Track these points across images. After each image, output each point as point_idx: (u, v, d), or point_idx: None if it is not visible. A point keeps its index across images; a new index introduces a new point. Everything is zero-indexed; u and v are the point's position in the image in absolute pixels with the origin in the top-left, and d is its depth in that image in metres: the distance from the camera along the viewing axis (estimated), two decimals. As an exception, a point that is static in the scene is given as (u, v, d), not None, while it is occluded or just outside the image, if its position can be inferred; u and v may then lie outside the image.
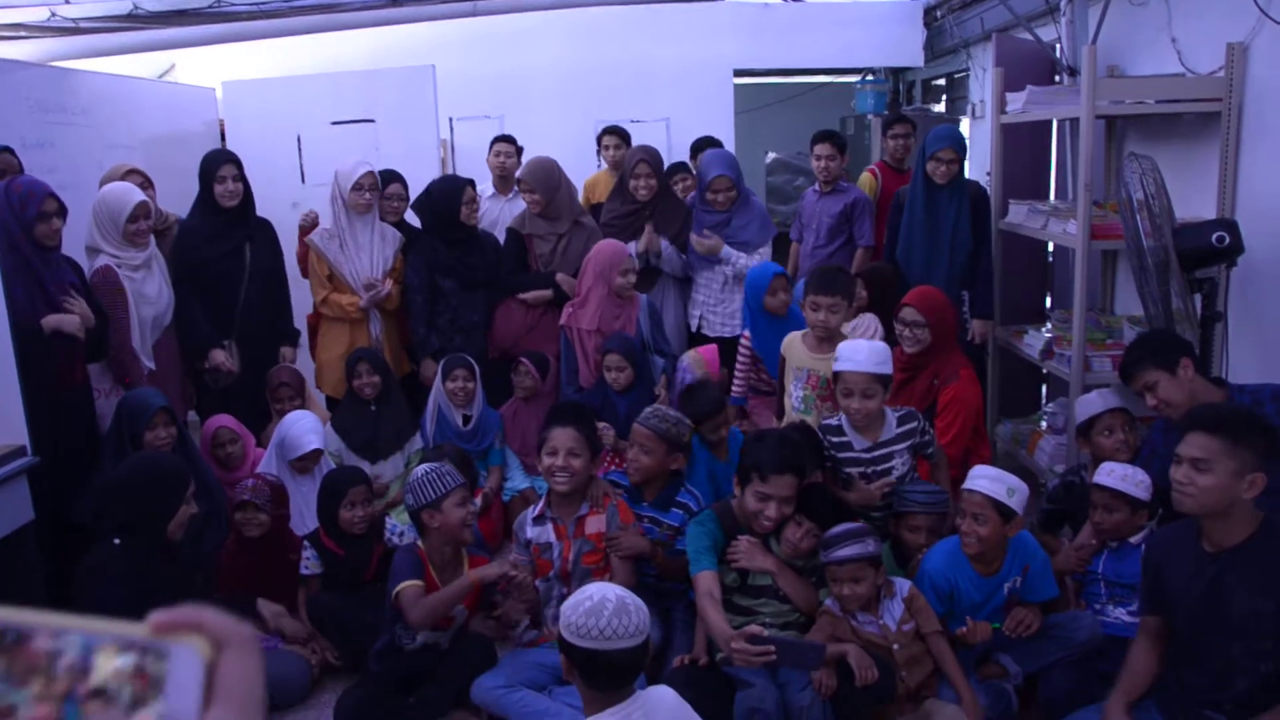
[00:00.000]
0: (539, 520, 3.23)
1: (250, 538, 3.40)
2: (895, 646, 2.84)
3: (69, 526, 3.36)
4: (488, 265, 4.63)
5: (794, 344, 3.69)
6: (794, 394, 3.63)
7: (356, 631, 3.24)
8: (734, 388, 4.26)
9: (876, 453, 3.23)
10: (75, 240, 3.90)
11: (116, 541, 2.86)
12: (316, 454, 3.89)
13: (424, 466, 3.09)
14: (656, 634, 3.14)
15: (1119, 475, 3.06)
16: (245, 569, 3.41)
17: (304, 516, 3.85)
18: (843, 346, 3.24)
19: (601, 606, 1.97)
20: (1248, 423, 2.34)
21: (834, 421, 3.31)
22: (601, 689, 2.00)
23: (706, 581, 2.89)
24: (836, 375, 3.20)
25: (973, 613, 2.92)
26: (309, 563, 3.45)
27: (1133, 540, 3.08)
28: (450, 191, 4.55)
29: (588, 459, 3.17)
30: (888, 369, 3.16)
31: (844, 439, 3.25)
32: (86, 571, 2.82)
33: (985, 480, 2.90)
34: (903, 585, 2.93)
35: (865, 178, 5.55)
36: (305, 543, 3.49)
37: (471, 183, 4.64)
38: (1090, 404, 3.51)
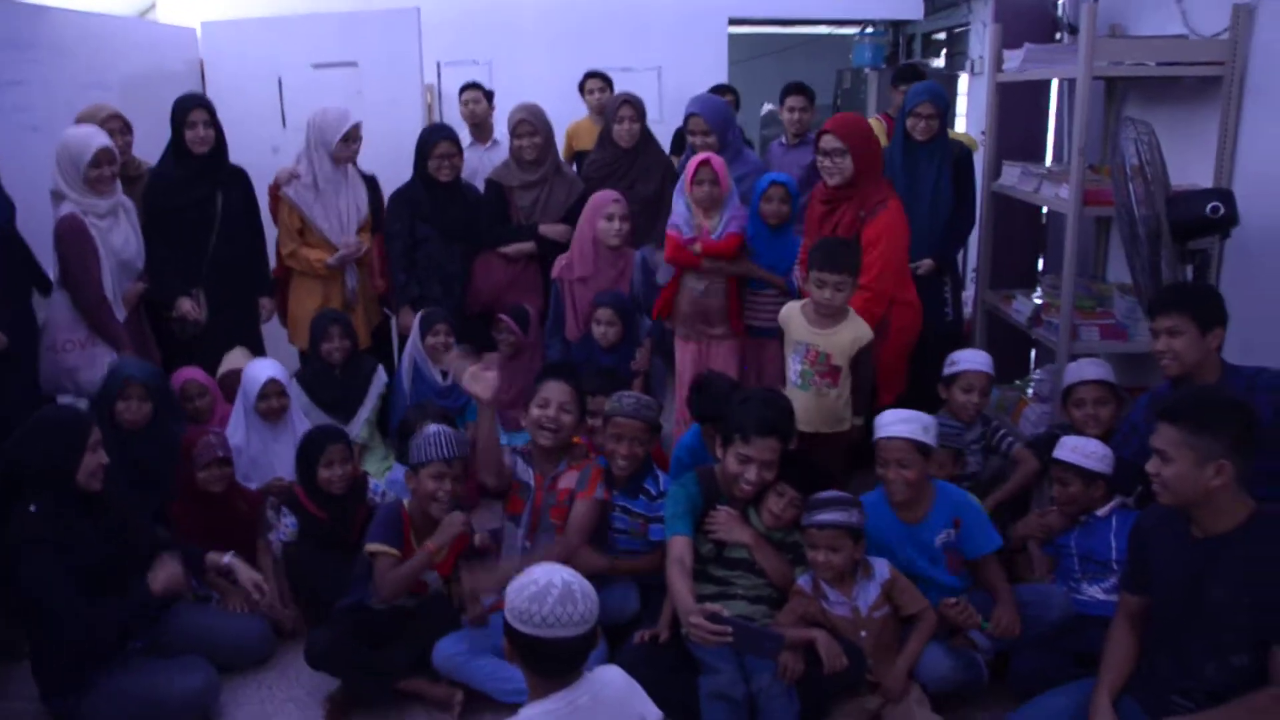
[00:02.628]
0: (525, 460, 3.21)
1: (201, 492, 3.33)
2: (862, 634, 2.79)
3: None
4: (468, 217, 4.53)
5: (793, 316, 3.51)
6: (792, 367, 3.52)
7: (334, 593, 3.17)
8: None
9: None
10: (48, 183, 3.81)
11: (33, 508, 2.76)
12: (278, 388, 3.80)
13: (435, 427, 3.11)
14: (633, 603, 3.12)
15: (1069, 447, 3.11)
16: (197, 523, 3.34)
17: (274, 466, 3.80)
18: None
19: (546, 592, 1.89)
20: (1213, 410, 2.27)
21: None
22: (544, 675, 1.94)
23: (679, 547, 2.85)
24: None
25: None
26: (286, 530, 3.39)
27: (1099, 514, 3.08)
28: (422, 143, 4.47)
29: (575, 419, 3.14)
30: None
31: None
32: (10, 542, 2.73)
33: (900, 424, 2.94)
34: (882, 568, 2.89)
35: (874, 124, 5.47)
36: (283, 508, 3.43)
37: (450, 135, 4.50)
38: (1071, 372, 3.55)
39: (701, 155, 3.95)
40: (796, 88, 5.16)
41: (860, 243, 3.60)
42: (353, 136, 4.36)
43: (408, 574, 2.96)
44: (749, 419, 2.88)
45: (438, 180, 4.42)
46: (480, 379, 3.01)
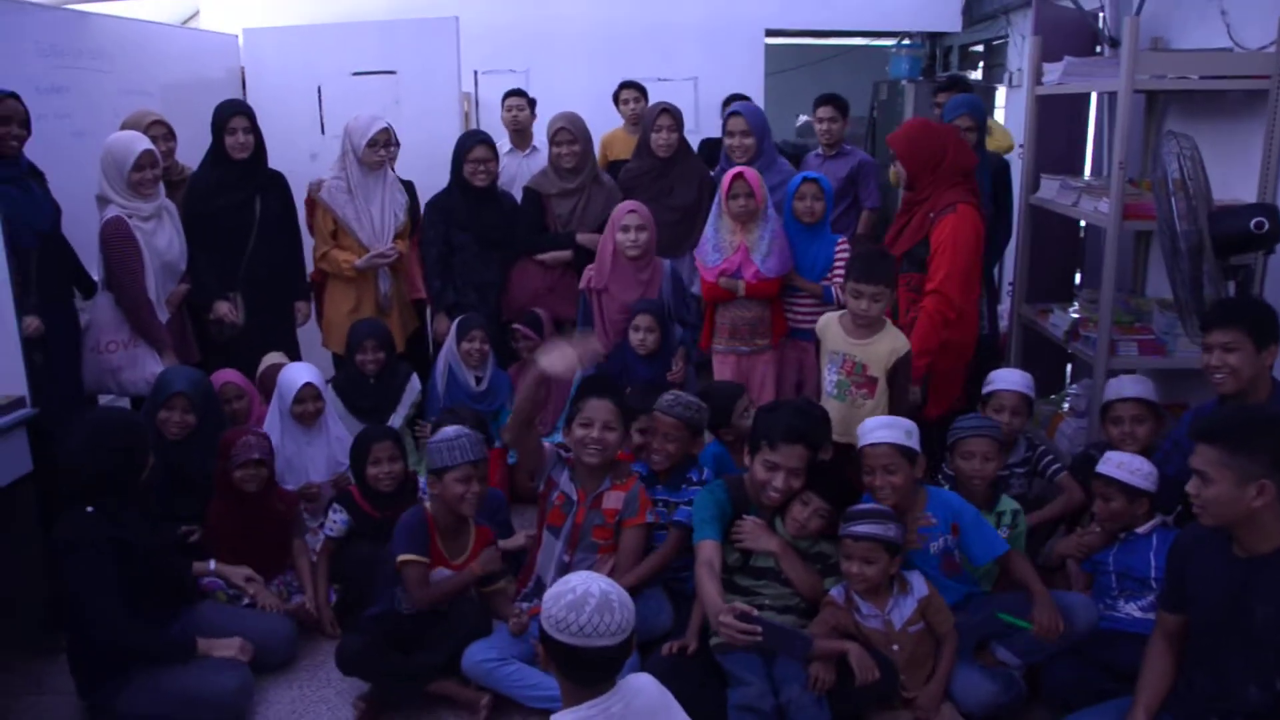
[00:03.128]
0: (571, 473, 3.19)
1: (237, 492, 3.35)
2: (895, 647, 2.77)
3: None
4: (504, 224, 4.56)
5: (830, 326, 3.53)
6: (828, 378, 3.53)
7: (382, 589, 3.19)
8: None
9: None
10: (91, 187, 3.87)
11: (90, 510, 2.80)
12: (314, 393, 3.82)
13: (452, 430, 3.07)
14: (667, 618, 3.09)
15: (1115, 463, 3.06)
16: (234, 522, 3.37)
17: (307, 470, 3.82)
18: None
19: (584, 601, 1.89)
20: (1252, 429, 2.23)
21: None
22: (579, 683, 1.94)
23: (708, 551, 2.84)
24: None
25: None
26: (334, 525, 3.45)
27: (1140, 531, 3.04)
28: (459, 148, 4.51)
29: (621, 434, 3.11)
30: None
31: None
32: (64, 544, 2.76)
33: (882, 430, 2.94)
34: (920, 585, 2.86)
35: None
36: (335, 505, 3.49)
37: (485, 140, 4.54)
38: (1111, 388, 3.51)
39: (735, 170, 3.96)
40: (827, 98, 5.19)
41: (926, 233, 3.60)
42: (381, 141, 4.38)
43: (446, 591, 3.00)
44: (777, 426, 2.87)
45: (473, 186, 4.45)
46: (560, 354, 2.89)
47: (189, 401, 3.43)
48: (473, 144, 4.47)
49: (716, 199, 4.05)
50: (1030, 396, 3.60)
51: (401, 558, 2.98)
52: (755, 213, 3.92)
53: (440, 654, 3.00)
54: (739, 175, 3.90)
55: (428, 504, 3.12)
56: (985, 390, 3.65)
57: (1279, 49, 3.72)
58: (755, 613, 2.65)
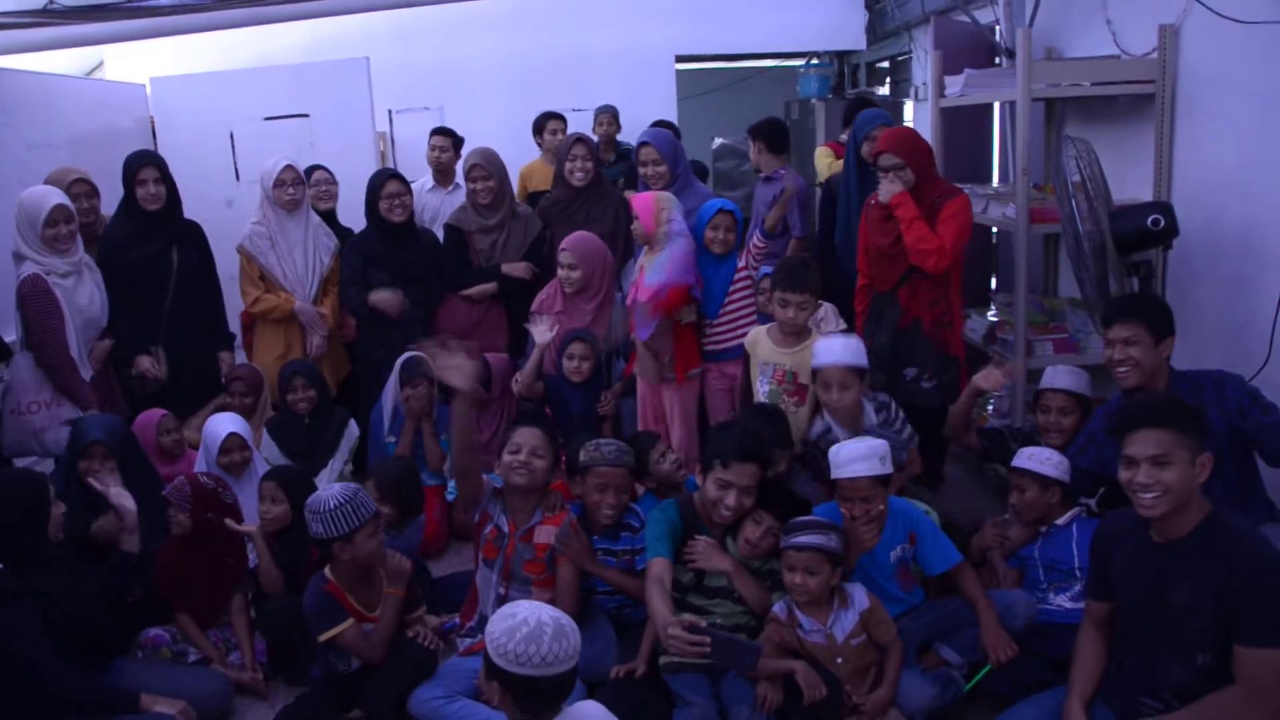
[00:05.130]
0: (501, 505, 3.16)
1: (185, 537, 3.30)
2: (839, 660, 2.80)
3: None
4: (424, 260, 4.54)
5: (760, 339, 3.67)
6: (760, 389, 3.66)
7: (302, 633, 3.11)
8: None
9: None
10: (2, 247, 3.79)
11: (1, 567, 2.76)
12: (239, 442, 3.76)
13: (334, 495, 2.87)
14: (613, 658, 3.03)
15: (1026, 455, 3.16)
16: (181, 568, 3.31)
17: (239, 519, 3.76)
18: (819, 343, 3.38)
19: (540, 632, 1.89)
20: (1181, 409, 2.34)
21: (818, 428, 3.42)
22: (532, 714, 1.94)
23: (658, 567, 2.85)
24: (815, 371, 3.34)
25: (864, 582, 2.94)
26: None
27: (1059, 522, 3.13)
28: (372, 186, 4.49)
29: (548, 464, 3.10)
30: (863, 361, 3.33)
31: (831, 437, 3.31)
32: None
33: (859, 463, 2.92)
34: (861, 597, 2.88)
35: (823, 152, 5.59)
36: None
37: (396, 175, 4.55)
38: (1046, 376, 3.59)
39: (630, 195, 4.08)
40: (750, 130, 5.29)
41: (937, 217, 3.69)
42: (289, 180, 4.37)
43: (386, 631, 2.94)
44: (728, 445, 2.90)
45: (390, 222, 4.44)
46: (454, 368, 2.90)
47: (106, 449, 3.37)
48: (384, 179, 4.48)
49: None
50: (855, 368, 3.38)
51: (324, 637, 2.90)
52: (644, 236, 3.94)
53: (388, 701, 2.95)
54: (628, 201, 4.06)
55: (325, 573, 2.98)
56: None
57: (1161, 55, 3.89)
58: (704, 624, 2.66)
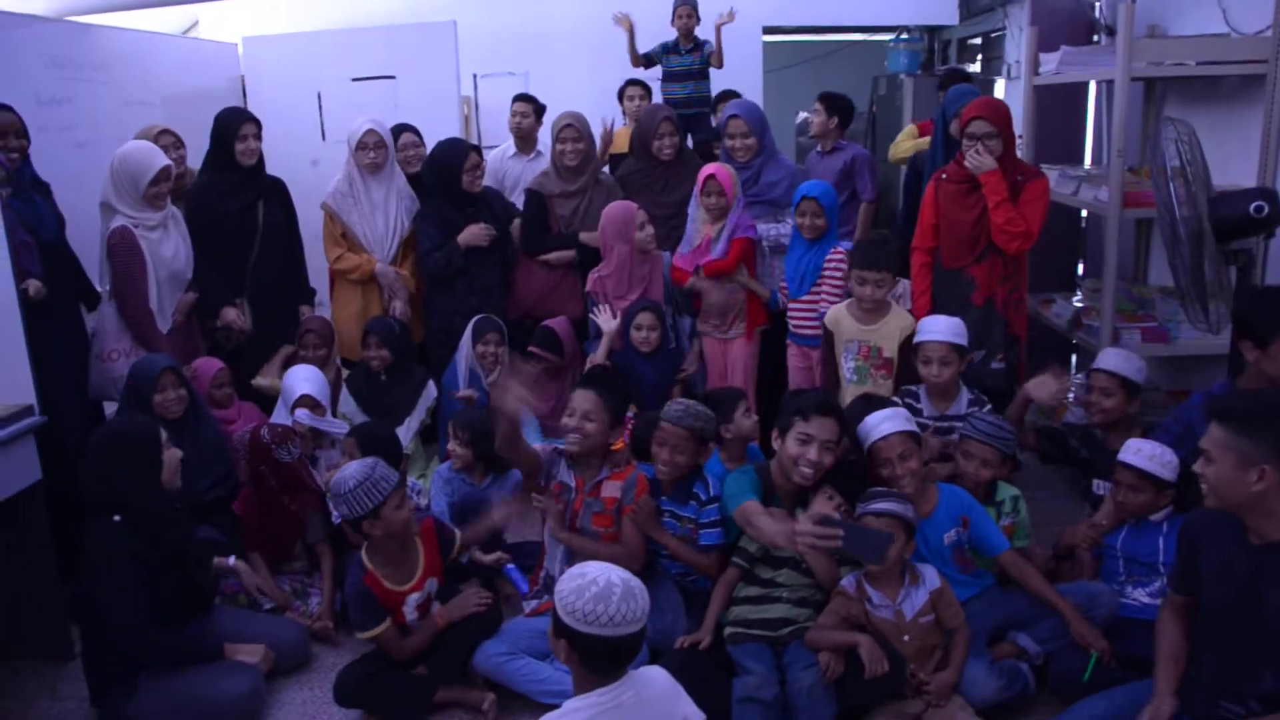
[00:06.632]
0: (568, 462, 3.19)
1: (262, 488, 3.38)
2: (905, 637, 2.78)
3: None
4: (499, 225, 4.56)
5: (841, 317, 3.74)
6: (845, 365, 3.74)
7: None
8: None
9: (942, 424, 3.43)
10: (95, 198, 3.88)
11: (117, 519, 2.81)
12: (310, 403, 3.81)
13: (353, 475, 2.86)
14: (680, 627, 3.04)
15: (1146, 454, 2.98)
16: (250, 514, 3.42)
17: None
18: (923, 321, 3.52)
19: (609, 592, 1.90)
20: (1260, 413, 2.21)
21: (912, 388, 3.54)
22: (599, 673, 1.95)
23: (753, 504, 2.85)
24: (917, 346, 3.46)
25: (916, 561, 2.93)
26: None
27: (1153, 518, 3.01)
28: (451, 158, 4.44)
29: (603, 424, 3.09)
30: (964, 340, 3.43)
31: (918, 405, 3.47)
32: (96, 553, 2.78)
33: (888, 422, 3.00)
34: (932, 577, 2.86)
35: (909, 131, 5.55)
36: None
37: (475, 149, 4.54)
38: (1098, 357, 3.52)
39: (709, 168, 4.13)
40: (819, 97, 5.35)
41: (1020, 197, 3.67)
42: (370, 144, 4.40)
43: (419, 645, 2.97)
44: (807, 401, 2.93)
45: (468, 194, 4.46)
46: (506, 391, 2.92)
47: (177, 376, 3.49)
48: (466, 151, 4.46)
49: (694, 194, 4.20)
50: (957, 345, 3.45)
51: (364, 636, 2.96)
52: (725, 210, 4.11)
53: (453, 657, 3.00)
54: (712, 175, 4.08)
55: (363, 559, 2.99)
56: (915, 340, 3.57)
57: (1275, 33, 3.72)
58: (836, 515, 2.67)
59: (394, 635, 2.95)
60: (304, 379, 3.89)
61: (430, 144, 4.76)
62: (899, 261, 4.18)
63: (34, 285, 3.42)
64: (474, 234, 4.43)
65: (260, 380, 4.23)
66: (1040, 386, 3.38)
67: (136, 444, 2.90)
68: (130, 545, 2.78)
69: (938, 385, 3.43)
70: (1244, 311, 3.08)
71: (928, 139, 4.95)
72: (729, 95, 5.67)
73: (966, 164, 3.67)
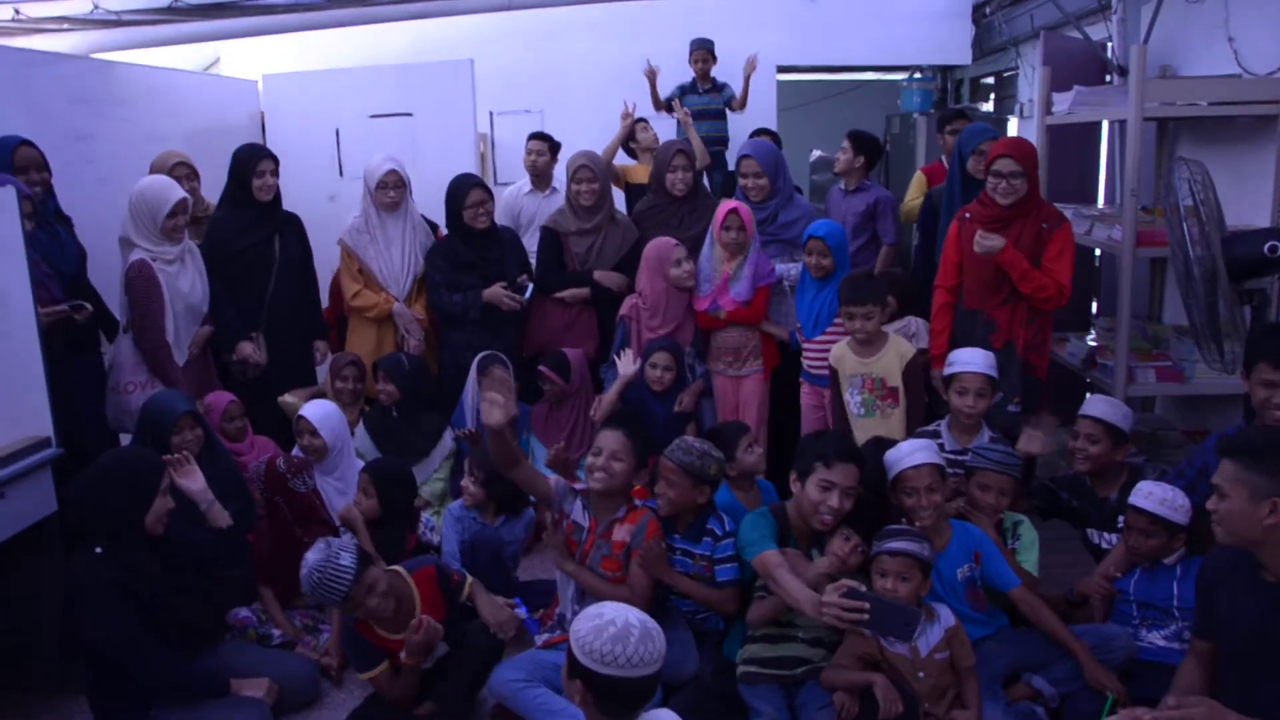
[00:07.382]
0: (584, 502, 3.17)
1: (276, 519, 3.39)
2: (920, 674, 2.75)
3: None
4: (507, 261, 4.59)
5: (843, 354, 3.76)
6: (852, 401, 3.73)
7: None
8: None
9: (964, 457, 3.37)
10: (116, 231, 3.94)
11: (98, 550, 2.79)
12: (308, 427, 3.75)
13: (309, 572, 2.73)
14: (692, 663, 3.04)
15: (1158, 498, 2.94)
16: (261, 545, 3.43)
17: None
18: (956, 353, 3.56)
19: (627, 633, 1.89)
20: (1271, 446, 2.21)
21: (933, 426, 3.59)
22: (614, 716, 1.94)
23: (773, 556, 2.85)
24: (951, 378, 3.49)
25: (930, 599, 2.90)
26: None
27: (1166, 561, 2.98)
28: (454, 193, 4.47)
29: (629, 465, 3.09)
30: (995, 373, 3.48)
31: (939, 440, 3.46)
32: (74, 585, 2.77)
33: (920, 452, 3.02)
34: (947, 615, 2.85)
35: (919, 181, 5.52)
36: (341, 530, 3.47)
37: (479, 184, 4.53)
38: (1084, 404, 3.49)
39: (729, 204, 4.15)
40: (848, 135, 5.31)
41: (1042, 243, 3.68)
42: (390, 183, 4.44)
43: (407, 685, 2.95)
44: (829, 446, 2.93)
45: (475, 230, 4.49)
46: (494, 404, 2.89)
47: (193, 417, 3.47)
48: (468, 188, 4.46)
49: (710, 230, 4.19)
50: (990, 377, 3.48)
51: (363, 677, 2.97)
52: (744, 245, 4.12)
53: (459, 694, 2.98)
54: (734, 210, 4.09)
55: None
56: (947, 372, 3.57)
57: (1287, 75, 3.74)
58: (862, 587, 2.65)
59: (389, 675, 2.94)
60: (315, 405, 3.86)
61: (445, 182, 4.81)
62: (916, 297, 4.21)
63: (84, 310, 3.50)
64: (497, 296, 4.43)
65: (288, 398, 4.26)
66: (1031, 441, 3.40)
67: (135, 476, 2.88)
68: (110, 574, 2.75)
69: (971, 416, 3.45)
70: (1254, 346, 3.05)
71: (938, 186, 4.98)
72: (762, 133, 5.70)
73: (976, 249, 3.65)
